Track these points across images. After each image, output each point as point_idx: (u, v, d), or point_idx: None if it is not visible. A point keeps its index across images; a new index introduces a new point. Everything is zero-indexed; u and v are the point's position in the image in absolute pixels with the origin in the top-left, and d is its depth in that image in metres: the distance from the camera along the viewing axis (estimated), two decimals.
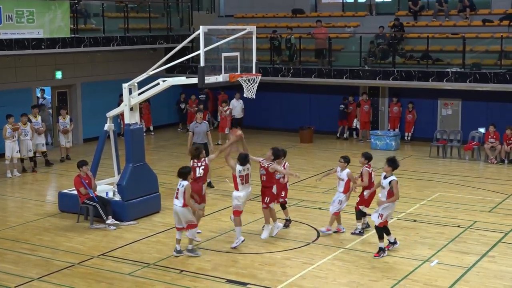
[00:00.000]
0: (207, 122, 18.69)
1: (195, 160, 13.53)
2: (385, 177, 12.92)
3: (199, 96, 28.27)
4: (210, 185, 18.28)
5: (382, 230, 12.89)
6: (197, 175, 13.37)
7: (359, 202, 14.20)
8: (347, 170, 13.95)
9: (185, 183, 12.74)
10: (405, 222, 15.20)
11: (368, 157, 14.24)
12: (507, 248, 13.46)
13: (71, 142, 22.49)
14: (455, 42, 24.27)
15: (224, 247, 13.39)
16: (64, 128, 22.04)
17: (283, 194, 14.61)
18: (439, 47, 24.90)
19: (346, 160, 14.13)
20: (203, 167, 13.47)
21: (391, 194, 12.74)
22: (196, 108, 25.74)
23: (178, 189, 12.83)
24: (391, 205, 12.89)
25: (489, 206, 16.54)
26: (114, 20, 25.85)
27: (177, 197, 12.81)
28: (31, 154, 20.81)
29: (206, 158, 13.74)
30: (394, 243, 13.24)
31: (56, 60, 24.63)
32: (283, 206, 14.78)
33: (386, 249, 13.02)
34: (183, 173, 12.85)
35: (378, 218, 12.81)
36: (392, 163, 12.95)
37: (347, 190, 14.04)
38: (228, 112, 26.03)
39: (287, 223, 14.89)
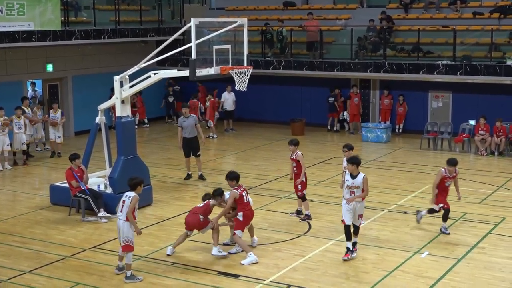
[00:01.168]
0: (194, 116, 18.64)
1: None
2: (354, 177, 12.13)
3: (174, 88, 28.33)
4: (201, 177, 18.29)
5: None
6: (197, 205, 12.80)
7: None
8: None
9: (133, 194, 11.50)
10: (396, 214, 15.26)
11: (350, 148, 14.25)
12: (497, 240, 13.54)
13: (61, 137, 22.08)
14: (446, 34, 24.30)
15: None
16: (53, 121, 21.83)
17: (299, 187, 14.70)
18: (429, 39, 24.93)
19: (349, 148, 14.19)
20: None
21: (362, 191, 12.30)
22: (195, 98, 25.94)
23: (123, 201, 11.58)
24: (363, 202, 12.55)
25: (479, 198, 16.62)
26: (105, 12, 25.74)
27: (121, 210, 11.60)
28: (24, 147, 20.77)
29: (211, 201, 12.71)
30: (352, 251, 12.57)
31: (47, 53, 24.52)
32: (303, 198, 14.90)
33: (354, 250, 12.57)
34: (133, 184, 11.63)
35: (359, 219, 12.43)
36: (355, 160, 12.31)
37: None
38: (208, 103, 26.06)
39: (302, 215, 14.99)
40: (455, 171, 13.96)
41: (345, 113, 26.24)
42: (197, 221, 12.48)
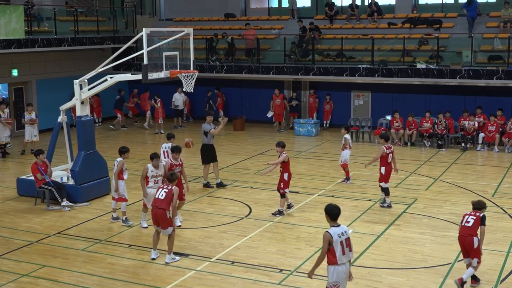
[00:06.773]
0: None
1: (165, 184, 11.40)
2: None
3: (116, 96, 26.91)
4: None
5: None
6: (158, 196, 11.13)
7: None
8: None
9: (119, 159, 13.47)
10: (325, 197, 15.39)
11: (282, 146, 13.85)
12: (410, 218, 13.83)
13: (37, 136, 21.15)
14: (365, 42, 24.64)
15: None
16: (31, 120, 20.99)
17: (282, 185, 13.88)
18: (351, 46, 25.21)
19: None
20: (166, 190, 11.12)
21: None
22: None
23: (115, 164, 13.58)
24: None
25: (395, 182, 16.86)
26: (65, 23, 25.18)
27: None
28: None
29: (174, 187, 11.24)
30: None
31: (12, 59, 23.83)
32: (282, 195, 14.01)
33: None
34: (122, 152, 13.60)
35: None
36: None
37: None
38: (159, 104, 25.76)
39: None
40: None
41: (270, 112, 25.80)
42: (164, 217, 11.04)
